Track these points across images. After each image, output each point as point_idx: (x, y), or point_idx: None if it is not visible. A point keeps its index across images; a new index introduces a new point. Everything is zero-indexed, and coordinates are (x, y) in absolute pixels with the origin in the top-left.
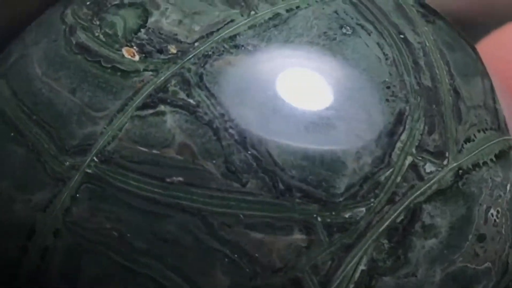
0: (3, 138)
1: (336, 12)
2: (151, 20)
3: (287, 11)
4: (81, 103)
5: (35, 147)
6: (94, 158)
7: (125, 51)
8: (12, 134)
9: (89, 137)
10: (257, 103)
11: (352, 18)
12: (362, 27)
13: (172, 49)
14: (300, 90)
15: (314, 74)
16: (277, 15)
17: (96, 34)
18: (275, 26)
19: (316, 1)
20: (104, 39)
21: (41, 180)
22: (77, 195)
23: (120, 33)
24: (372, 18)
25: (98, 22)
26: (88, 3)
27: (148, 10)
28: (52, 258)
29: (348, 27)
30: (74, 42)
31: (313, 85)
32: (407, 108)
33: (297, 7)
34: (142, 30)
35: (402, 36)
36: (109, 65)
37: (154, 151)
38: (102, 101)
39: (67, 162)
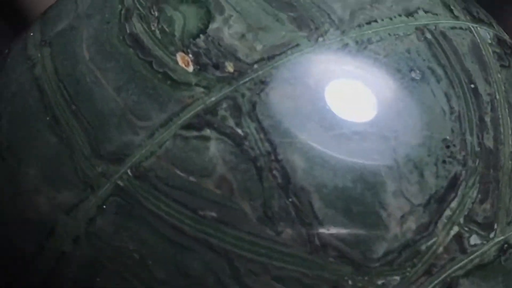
0: (38, 119)
1: (408, 51)
2: (212, 26)
3: (357, 43)
4: (124, 105)
5: (69, 142)
6: (128, 171)
7: (179, 57)
8: (48, 118)
9: (126, 146)
10: (308, 147)
11: (423, 60)
12: (433, 72)
13: (229, 66)
14: (353, 140)
15: (372, 124)
16: (346, 46)
17: (153, 28)
18: (341, 58)
19: (389, 35)
20: (160, 37)
21: (69, 180)
22: (104, 206)
23: (177, 34)
24: (444, 62)
25: (156, 13)
26: None
27: (211, 13)
28: (68, 265)
29: (418, 71)
30: (128, 31)
31: (367, 138)
32: (463, 172)
33: (368, 40)
34: (201, 37)
35: (472, 86)
36: (161, 70)
37: (192, 179)
38: (146, 109)
39: (100, 168)
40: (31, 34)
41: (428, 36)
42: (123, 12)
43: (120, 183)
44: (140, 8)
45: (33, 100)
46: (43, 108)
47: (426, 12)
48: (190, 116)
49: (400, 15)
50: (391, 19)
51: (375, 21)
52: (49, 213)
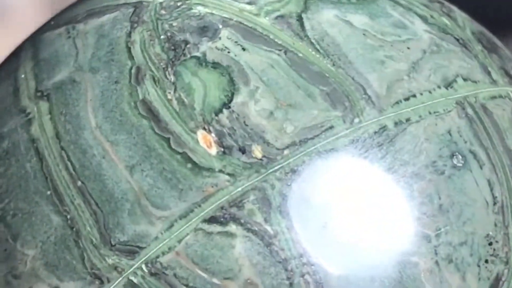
0: (38, 191)
1: (449, 132)
2: (237, 99)
3: (396, 124)
4: (138, 189)
5: (74, 224)
6: (143, 266)
7: (201, 136)
8: (49, 192)
9: (141, 237)
10: (344, 250)
11: (465, 142)
12: (475, 156)
13: (257, 151)
14: (392, 240)
15: (411, 222)
16: (384, 129)
17: (169, 97)
18: (379, 145)
19: (429, 113)
20: (177, 109)
21: (75, 269)
22: None
23: (198, 107)
24: (487, 143)
25: (172, 78)
26: (162, 36)
27: (235, 83)
28: None
29: (460, 157)
30: (140, 96)
31: (408, 237)
32: (505, 271)
33: (407, 120)
34: (225, 112)
35: None
36: (180, 150)
37: (215, 280)
38: (163, 196)
39: (110, 260)
40: (23, 76)
41: (469, 111)
42: (133, 71)
43: (134, 279)
44: (153, 69)
45: (31, 167)
46: (43, 179)
47: (465, 79)
48: (214, 208)
49: (439, 87)
50: (430, 92)
51: (414, 95)
52: None
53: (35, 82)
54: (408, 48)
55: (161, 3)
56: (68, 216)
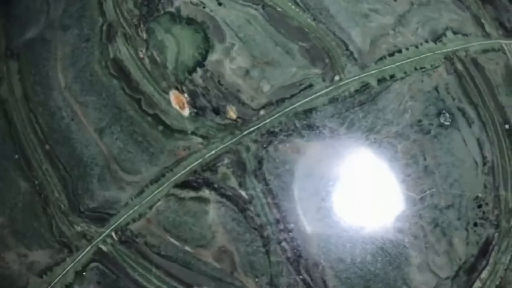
0: (6, 155)
1: (436, 88)
2: (212, 57)
3: (379, 81)
4: (108, 152)
5: (42, 190)
6: (113, 234)
7: (173, 96)
8: (16, 156)
9: (110, 203)
10: (323, 214)
11: (454, 99)
12: (464, 113)
13: (232, 112)
14: (374, 204)
15: (395, 184)
16: (366, 87)
17: (141, 55)
18: (361, 104)
19: (415, 69)
20: (149, 68)
21: (43, 237)
22: (84, 273)
23: (170, 65)
24: (476, 99)
25: (145, 35)
26: None
27: (210, 40)
28: None
29: (447, 115)
30: (111, 55)
31: (391, 200)
32: (496, 235)
33: (392, 77)
34: (199, 71)
35: (507, 126)
36: (151, 112)
37: (187, 248)
38: (134, 161)
39: (79, 227)
40: None
41: (459, 66)
42: (104, 28)
43: (103, 247)
44: (125, 25)
45: None
46: (11, 143)
47: (455, 33)
48: (186, 172)
49: (427, 41)
50: (417, 47)
51: (399, 51)
52: (19, 273)
53: (5, 40)
54: (395, 0)
55: None
56: (36, 182)
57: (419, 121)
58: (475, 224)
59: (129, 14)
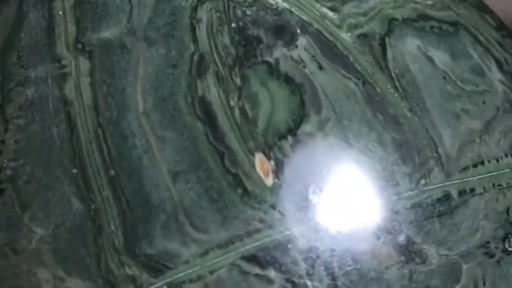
0: (62, 164)
1: (507, 210)
2: (305, 128)
3: (460, 194)
4: (178, 201)
5: (97, 217)
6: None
7: (258, 160)
8: (75, 170)
9: (170, 256)
10: None
11: None
12: None
13: (315, 193)
14: None
15: None
16: (447, 197)
17: (232, 104)
18: (439, 215)
19: (493, 186)
20: (239, 120)
21: (87, 267)
22: None
23: (261, 125)
24: None
25: (239, 81)
26: (233, 24)
27: (306, 107)
28: None
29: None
30: (200, 92)
31: None
32: None
33: (472, 191)
34: (290, 139)
35: None
36: (233, 170)
37: None
38: (205, 218)
39: (129, 270)
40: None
41: None
42: (195, 58)
43: None
44: (219, 63)
45: (58, 133)
46: (71, 153)
47: None
48: (256, 246)
49: (506, 155)
50: (497, 161)
51: (482, 163)
52: None
53: (76, 28)
54: (484, 102)
55: None
56: (92, 206)
57: (487, 242)
58: None
59: (224, 51)
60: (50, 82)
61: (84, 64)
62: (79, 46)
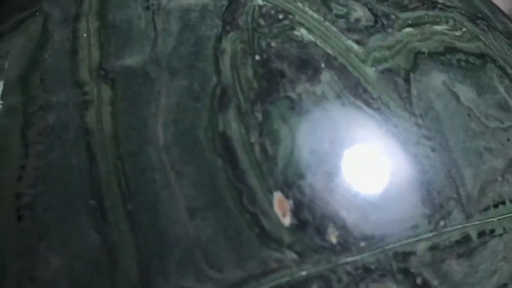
0: (79, 194)
1: None
2: (325, 166)
3: (479, 235)
4: (195, 238)
5: (114, 251)
6: None
7: (277, 199)
8: (92, 202)
9: None
10: None
11: None
12: None
13: (333, 235)
14: None
15: None
16: (467, 239)
17: (252, 140)
18: (458, 257)
19: None
20: (258, 158)
21: None
22: None
23: (281, 163)
24: None
25: (260, 117)
26: (257, 57)
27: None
28: None
29: None
30: (220, 127)
31: None
32: None
33: (491, 232)
34: (309, 178)
35: None
36: (251, 209)
37: None
38: (221, 256)
39: None
40: (85, 35)
41: None
42: (218, 91)
43: None
44: (241, 97)
45: (79, 163)
46: (89, 184)
47: None
48: (272, 287)
49: None
50: None
51: (503, 202)
52: None
53: (99, 53)
54: (508, 140)
55: (260, 7)
56: (108, 239)
57: (505, 284)
58: None
59: (247, 85)
60: (71, 109)
61: (106, 92)
62: (102, 73)
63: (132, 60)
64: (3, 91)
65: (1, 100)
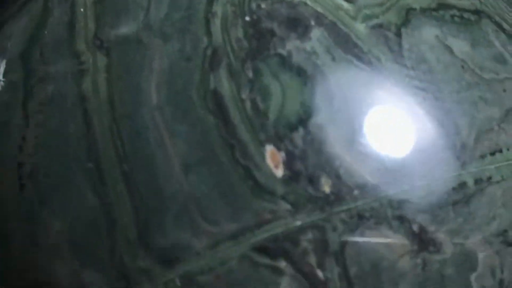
0: (77, 159)
1: None
2: (316, 119)
3: (476, 182)
4: (190, 193)
5: (111, 212)
6: (177, 279)
7: (269, 152)
8: (89, 165)
9: (182, 247)
10: None
11: None
12: None
13: (326, 185)
14: None
15: None
16: (463, 186)
17: (243, 96)
18: (454, 204)
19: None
20: (250, 113)
21: (101, 260)
22: None
23: (272, 116)
24: None
25: (251, 74)
26: (247, 17)
27: (317, 99)
28: None
29: None
30: (212, 86)
31: None
32: None
33: (489, 179)
34: (301, 130)
35: None
36: (243, 162)
37: None
38: (215, 210)
39: (142, 262)
40: (82, 10)
41: None
42: (209, 52)
43: None
44: (231, 56)
45: (75, 129)
46: (86, 149)
47: None
48: (267, 237)
49: None
50: None
51: (500, 150)
52: None
53: (95, 25)
54: (504, 90)
55: None
56: (106, 200)
57: (505, 231)
58: None
59: (237, 44)
60: (69, 78)
61: (102, 60)
62: (97, 42)
63: (126, 28)
64: (5, 69)
65: (3, 77)
